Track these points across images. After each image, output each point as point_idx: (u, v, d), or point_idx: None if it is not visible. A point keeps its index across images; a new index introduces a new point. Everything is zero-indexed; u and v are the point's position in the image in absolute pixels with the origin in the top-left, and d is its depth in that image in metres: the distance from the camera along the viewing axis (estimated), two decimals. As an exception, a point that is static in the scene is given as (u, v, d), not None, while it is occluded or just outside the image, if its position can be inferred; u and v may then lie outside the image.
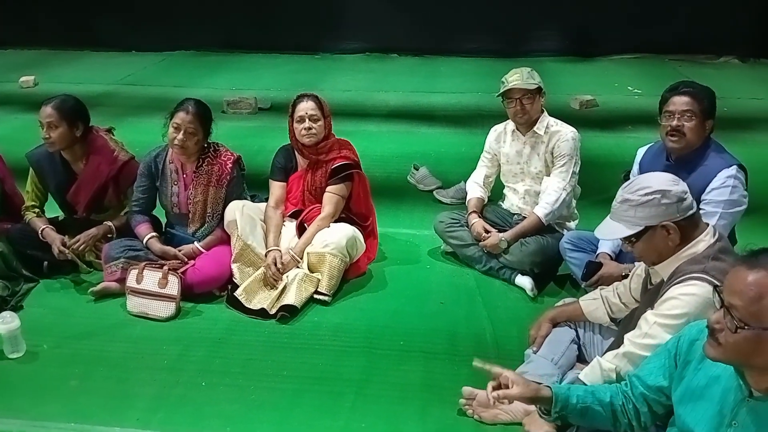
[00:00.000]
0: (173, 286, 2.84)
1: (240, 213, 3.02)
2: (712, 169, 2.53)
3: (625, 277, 2.63)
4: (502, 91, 3.03)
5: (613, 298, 2.27)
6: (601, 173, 4.28)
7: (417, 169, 4.39)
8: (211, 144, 3.10)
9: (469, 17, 8.31)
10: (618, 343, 2.10)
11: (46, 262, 3.12)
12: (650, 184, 1.87)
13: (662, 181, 1.88)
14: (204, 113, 3.02)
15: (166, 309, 2.82)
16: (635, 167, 2.89)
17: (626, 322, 2.11)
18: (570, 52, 8.32)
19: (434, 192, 4.16)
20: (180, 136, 2.93)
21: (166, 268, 2.88)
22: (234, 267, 2.97)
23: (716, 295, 1.51)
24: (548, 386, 1.75)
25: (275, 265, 2.94)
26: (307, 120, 3.05)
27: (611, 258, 2.78)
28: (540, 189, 3.14)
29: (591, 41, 8.29)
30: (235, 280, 2.96)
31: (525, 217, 3.18)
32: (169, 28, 8.81)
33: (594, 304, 2.31)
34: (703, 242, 1.85)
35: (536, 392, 1.73)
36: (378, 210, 3.38)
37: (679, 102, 2.55)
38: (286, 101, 6.56)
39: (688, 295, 1.75)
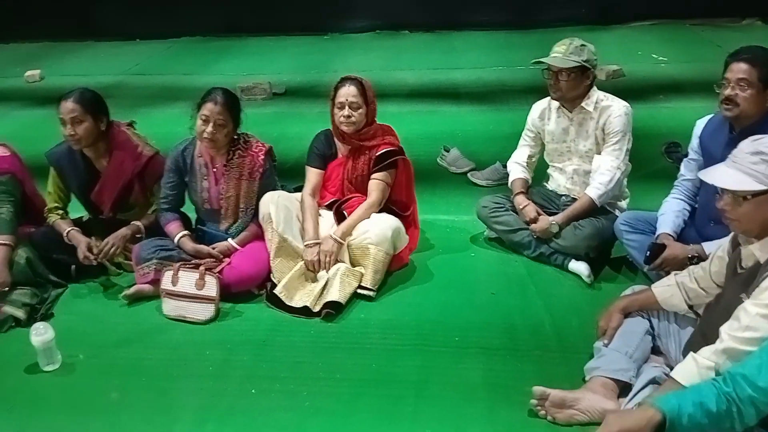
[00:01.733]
0: (211, 287, 2.69)
1: (275, 205, 2.86)
2: None
3: (691, 259, 2.50)
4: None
5: (690, 284, 2.10)
6: (639, 146, 4.07)
7: (447, 151, 4.21)
8: (241, 135, 2.94)
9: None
10: (701, 333, 1.96)
11: (73, 266, 2.98)
12: None
13: None
14: (233, 103, 2.85)
15: (205, 311, 2.68)
16: (694, 140, 2.70)
17: (711, 310, 1.95)
18: (587, 20, 8.03)
19: (468, 174, 3.99)
20: (209, 128, 2.76)
21: (202, 268, 2.73)
22: (273, 263, 2.82)
23: None
24: (657, 408, 1.59)
25: (317, 257, 2.78)
26: (347, 107, 2.87)
27: (673, 239, 2.61)
28: (589, 168, 2.96)
29: (608, 8, 8.02)
30: (273, 278, 2.81)
31: (574, 199, 3.01)
32: (172, 14, 8.59)
33: (669, 290, 2.14)
34: None
35: (648, 422, 1.56)
36: None
37: (736, 69, 2.37)
38: (301, 85, 6.53)
39: (791, 283, 1.58)
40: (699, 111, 4.89)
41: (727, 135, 2.49)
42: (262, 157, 2.92)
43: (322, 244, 2.82)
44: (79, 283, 3.00)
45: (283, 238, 2.83)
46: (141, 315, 2.77)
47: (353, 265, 2.86)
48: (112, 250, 2.89)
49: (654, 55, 6.62)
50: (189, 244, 2.88)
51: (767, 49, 2.40)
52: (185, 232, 2.91)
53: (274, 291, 2.76)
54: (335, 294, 2.70)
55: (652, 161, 4.00)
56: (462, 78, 6.28)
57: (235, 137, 2.90)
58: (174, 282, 2.72)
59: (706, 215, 2.61)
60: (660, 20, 8.00)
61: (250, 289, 2.84)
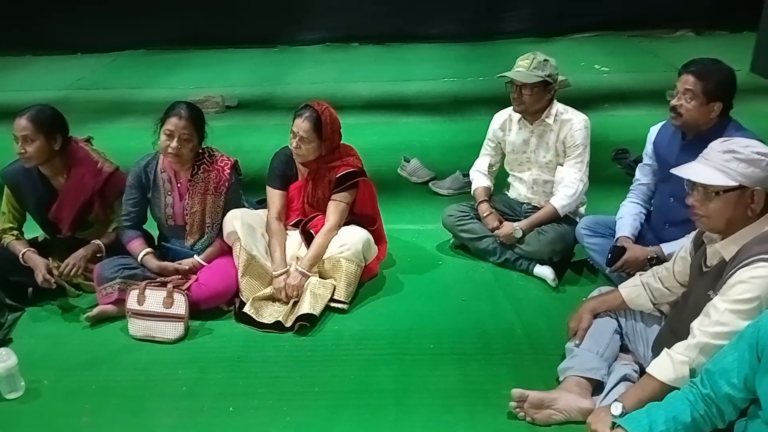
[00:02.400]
0: (180, 305, 2.64)
1: (240, 222, 2.83)
2: None
3: (651, 260, 2.62)
4: (499, 75, 2.91)
5: (655, 283, 2.21)
6: (591, 153, 4.21)
7: (407, 162, 4.26)
8: (205, 149, 2.90)
9: (431, 2, 8.21)
10: (670, 329, 2.06)
11: (30, 288, 2.86)
12: (759, 146, 1.80)
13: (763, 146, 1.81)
14: (198, 117, 2.82)
15: (174, 330, 2.62)
16: (648, 146, 2.84)
17: (680, 308, 2.05)
18: (532, 33, 8.31)
19: (430, 184, 4.05)
20: (174, 143, 2.72)
21: (170, 285, 2.68)
22: (241, 281, 2.79)
23: None
24: (622, 427, 1.67)
25: (285, 289, 2.78)
26: (297, 138, 2.85)
27: (632, 241, 2.74)
28: (548, 178, 3.06)
29: (552, 21, 8.31)
30: (242, 296, 2.78)
31: (535, 206, 3.11)
32: (116, 26, 8.35)
33: (635, 291, 2.24)
34: (767, 221, 1.79)
35: None
36: None
37: (684, 80, 2.50)
38: (254, 98, 6.48)
39: (758, 278, 1.69)
40: (642, 119, 5.21)
41: (680, 141, 2.63)
42: (228, 171, 2.89)
43: (289, 277, 2.80)
44: (37, 305, 2.88)
45: (251, 256, 2.80)
46: (106, 336, 2.69)
47: (323, 277, 2.86)
48: (73, 270, 2.80)
49: (597, 66, 6.90)
50: (153, 262, 2.81)
51: (718, 63, 2.53)
52: (149, 249, 2.85)
53: (243, 310, 2.72)
54: (307, 307, 2.69)
55: (603, 167, 4.16)
56: (415, 90, 6.37)
57: (200, 151, 2.86)
58: (140, 301, 2.65)
59: (662, 218, 2.75)
60: (600, 32, 8.34)
61: (219, 305, 2.80)
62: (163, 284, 2.70)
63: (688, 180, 1.86)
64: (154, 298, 2.64)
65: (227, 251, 2.90)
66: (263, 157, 4.38)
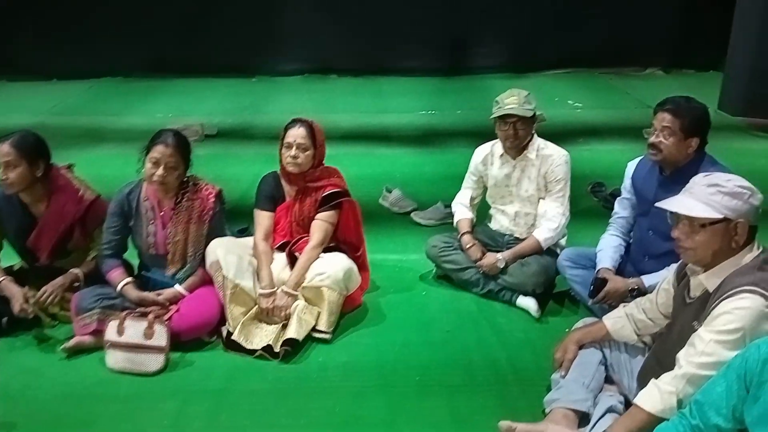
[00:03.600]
0: (161, 336, 2.59)
1: (223, 251, 2.81)
2: None
3: (632, 291, 2.68)
4: (497, 114, 2.98)
5: (638, 315, 2.25)
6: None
7: (389, 192, 4.29)
8: (190, 177, 2.89)
9: (407, 36, 8.36)
10: (656, 360, 2.09)
11: (5, 318, 2.78)
12: (740, 180, 1.87)
13: (749, 183, 1.87)
14: (184, 145, 2.81)
15: (154, 361, 2.57)
16: (627, 181, 2.92)
17: (664, 339, 2.09)
18: (507, 69, 8.52)
19: (412, 214, 4.08)
20: (160, 171, 2.70)
21: (151, 316, 2.63)
22: (228, 311, 2.76)
23: None
24: None
25: (272, 309, 2.77)
26: (294, 147, 2.89)
27: (613, 273, 2.79)
28: (530, 210, 3.12)
29: (526, 58, 8.53)
30: (228, 326, 2.75)
31: (517, 238, 3.16)
32: (93, 53, 8.29)
33: (619, 322, 2.28)
34: (749, 253, 1.86)
35: None
36: None
37: (661, 118, 2.60)
38: (233, 127, 6.48)
39: (741, 309, 1.74)
40: (616, 153, 5.37)
41: (657, 177, 2.71)
42: (212, 199, 2.88)
43: (276, 297, 2.79)
44: (12, 336, 2.80)
45: (235, 285, 2.78)
46: (84, 368, 2.61)
47: (308, 302, 2.84)
48: (50, 299, 2.73)
49: (570, 102, 7.09)
50: (133, 292, 2.76)
51: (691, 100, 2.64)
52: (129, 279, 2.80)
53: (232, 337, 2.69)
54: (293, 332, 2.68)
55: (580, 200, 4.25)
56: (393, 121, 6.44)
57: (185, 180, 2.85)
58: (120, 332, 2.60)
59: (641, 251, 2.82)
60: (573, 69, 8.59)
61: (200, 336, 2.75)
62: (144, 315, 2.65)
63: (673, 213, 1.92)
64: (134, 329, 2.59)
65: (209, 281, 2.87)
66: (243, 186, 4.38)
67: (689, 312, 1.97)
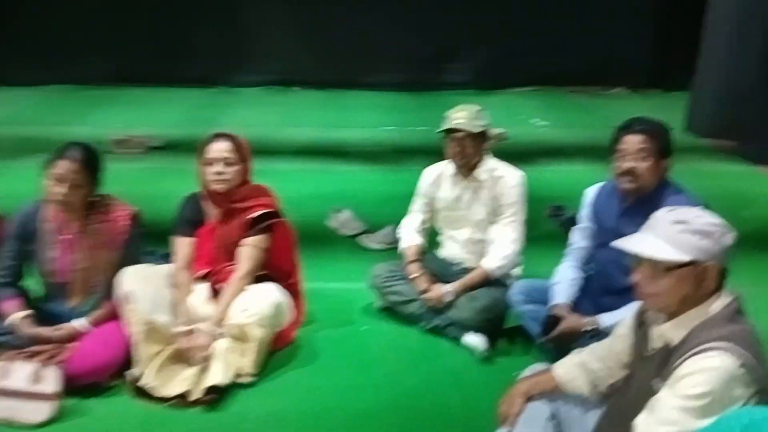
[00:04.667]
0: (50, 381, 2.24)
1: (137, 281, 2.49)
2: None
3: (588, 332, 2.43)
4: (444, 127, 2.73)
5: (594, 364, 1.98)
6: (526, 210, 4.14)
7: (338, 213, 4.01)
8: (101, 197, 2.56)
9: (373, 50, 8.17)
10: (609, 420, 1.84)
11: None
12: (710, 216, 1.61)
13: (720, 220, 1.63)
14: (93, 160, 2.49)
15: (39, 412, 2.21)
16: (586, 209, 2.68)
17: (620, 396, 1.83)
18: (474, 85, 8.36)
19: (360, 238, 3.79)
20: (62, 189, 2.38)
21: (41, 357, 2.29)
22: (138, 351, 2.43)
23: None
24: None
25: (191, 350, 2.45)
26: (218, 163, 2.59)
27: (569, 309, 2.54)
28: (483, 237, 2.86)
29: (492, 74, 8.39)
30: (137, 370, 2.41)
31: (468, 268, 2.90)
32: (47, 60, 7.97)
33: (572, 372, 2.01)
34: (718, 301, 1.60)
35: None
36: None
37: (633, 141, 2.36)
38: (184, 139, 6.14)
39: (710, 370, 1.48)
40: (579, 174, 5.16)
41: (619, 205, 2.48)
42: (126, 222, 2.56)
43: (195, 336, 2.48)
44: None
45: (147, 321, 2.45)
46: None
47: (233, 340, 2.53)
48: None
49: (533, 121, 6.92)
50: (27, 327, 2.42)
51: (656, 120, 2.43)
52: (24, 312, 2.45)
53: (142, 382, 2.37)
54: (219, 376, 2.37)
55: (538, 224, 4.01)
56: (354, 137, 6.20)
57: (94, 199, 2.53)
58: (3, 375, 2.24)
59: (600, 286, 2.57)
60: (539, 86, 8.47)
61: (103, 380, 2.41)
62: (35, 354, 2.31)
63: (634, 255, 1.66)
64: (23, 372, 2.25)
65: (118, 314, 2.53)
66: (183, 203, 4.07)
67: (648, 367, 1.71)
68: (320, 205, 4.34)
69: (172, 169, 5.07)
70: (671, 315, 1.66)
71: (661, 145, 2.35)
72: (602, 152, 5.70)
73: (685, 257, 1.57)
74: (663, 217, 1.65)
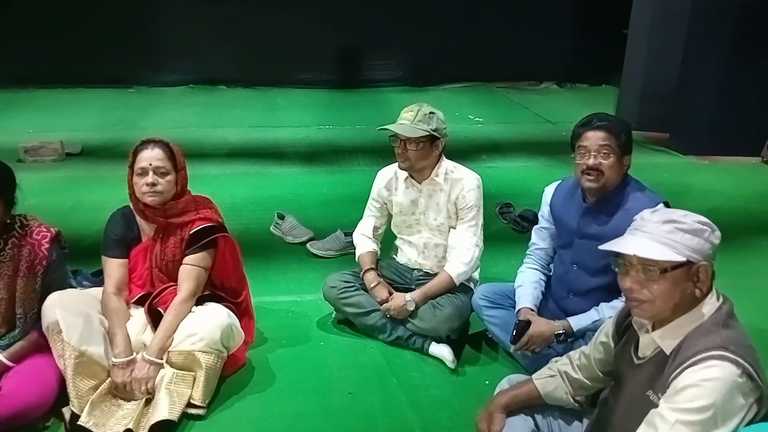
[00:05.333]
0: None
1: (64, 309, 2.19)
2: (638, 209, 2.21)
3: (558, 336, 2.36)
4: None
5: (573, 373, 1.89)
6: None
7: (282, 219, 3.78)
8: (17, 218, 2.25)
9: (300, 46, 7.92)
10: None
11: None
12: (697, 215, 1.54)
13: (705, 218, 1.55)
14: (4, 178, 2.17)
15: (-41, 468, 1.92)
16: (544, 208, 2.60)
17: (610, 408, 1.74)
18: (404, 82, 8.30)
19: (308, 245, 3.59)
20: (-34, 212, 2.06)
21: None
22: (70, 385, 2.14)
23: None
24: None
25: (130, 383, 2.19)
26: (151, 173, 2.33)
27: (535, 312, 2.46)
28: (440, 241, 2.74)
29: (423, 71, 8.34)
30: (72, 406, 2.13)
31: (427, 273, 2.77)
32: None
33: (551, 382, 1.91)
34: (708, 305, 1.54)
35: None
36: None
37: (594, 138, 2.29)
38: (102, 144, 5.70)
39: (710, 381, 1.41)
40: (520, 170, 5.17)
41: (580, 204, 2.41)
42: (46, 245, 2.24)
43: (134, 368, 2.22)
44: None
45: (80, 353, 2.17)
46: None
47: (179, 369, 2.28)
48: None
49: (470, 116, 6.90)
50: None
51: (615, 116, 2.37)
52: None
53: (79, 421, 2.09)
54: (164, 411, 2.13)
55: (487, 223, 3.95)
56: (287, 136, 5.96)
57: (8, 221, 2.21)
58: None
59: (564, 287, 2.51)
60: (469, 83, 8.50)
61: (30, 422, 2.12)
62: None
63: (620, 257, 1.57)
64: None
65: (45, 347, 2.24)
66: (107, 215, 3.72)
67: (640, 376, 1.63)
68: (260, 211, 4.11)
69: (92, 177, 4.67)
70: (661, 322, 1.58)
71: (623, 142, 2.30)
72: (540, 147, 5.82)
73: (680, 257, 1.50)
74: (650, 217, 1.57)
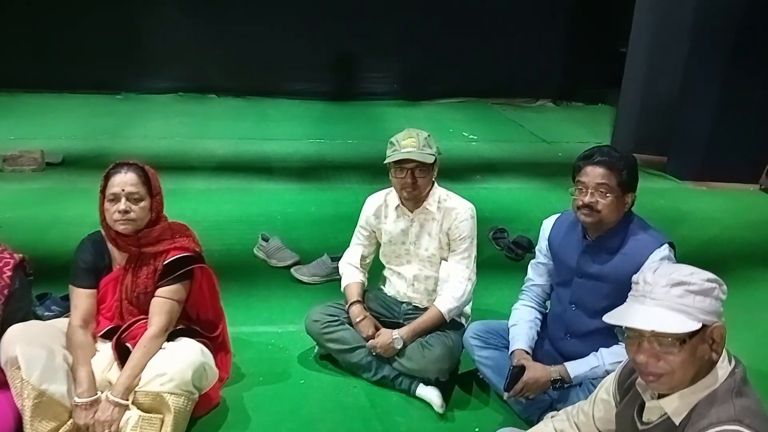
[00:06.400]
0: None
1: (25, 344, 2.02)
2: (641, 250, 2.16)
3: (555, 382, 2.21)
4: (394, 158, 2.43)
5: (571, 431, 1.75)
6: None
7: (266, 241, 3.63)
8: (-25, 243, 2.09)
9: (294, 57, 7.79)
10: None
11: None
12: (702, 272, 1.42)
13: (710, 274, 1.43)
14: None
15: None
16: (542, 242, 2.46)
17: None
18: (398, 96, 8.18)
19: (292, 270, 3.43)
20: None
21: None
22: (27, 428, 1.98)
23: None
24: None
25: (93, 425, 2.02)
26: (123, 199, 2.17)
27: (530, 355, 2.32)
28: (431, 273, 2.60)
29: (417, 85, 8.24)
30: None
31: (416, 307, 2.62)
32: None
33: (547, 441, 1.77)
34: (721, 369, 1.40)
35: None
36: (222, 300, 2.48)
37: (593, 174, 2.16)
38: (85, 153, 5.52)
39: (726, 458, 1.27)
40: (514, 192, 5.04)
41: (580, 241, 2.28)
42: (8, 274, 2.09)
43: (98, 408, 2.05)
44: None
45: (40, 392, 2.00)
46: None
47: (146, 411, 2.11)
48: None
49: (465, 134, 6.77)
50: None
51: (619, 151, 2.23)
52: None
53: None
54: None
55: (480, 248, 3.82)
56: (277, 150, 5.81)
57: (-35, 247, 2.05)
58: None
59: (561, 327, 2.37)
60: (464, 98, 8.40)
61: (-17, 468, 1.95)
62: None
63: (629, 329, 1.43)
64: None
65: (4, 382, 2.07)
66: (86, 231, 3.56)
67: (646, 446, 1.49)
68: (244, 230, 3.95)
69: (73, 189, 4.51)
70: (672, 389, 1.44)
71: (624, 180, 2.16)
72: (535, 168, 5.69)
73: (696, 324, 1.36)
74: (656, 281, 1.43)
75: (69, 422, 2.06)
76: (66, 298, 2.71)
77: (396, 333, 2.47)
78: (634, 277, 1.47)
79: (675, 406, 1.43)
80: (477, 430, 2.27)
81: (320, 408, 2.39)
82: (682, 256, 2.16)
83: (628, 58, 5.96)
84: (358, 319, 2.54)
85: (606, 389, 1.71)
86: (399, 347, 2.46)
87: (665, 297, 1.38)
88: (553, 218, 2.46)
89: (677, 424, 1.41)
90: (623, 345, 1.95)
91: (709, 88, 5.12)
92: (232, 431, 2.24)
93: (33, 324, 2.16)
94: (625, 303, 1.49)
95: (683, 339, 1.36)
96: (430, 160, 2.44)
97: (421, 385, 2.45)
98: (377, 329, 2.53)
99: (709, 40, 5.11)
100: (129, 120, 6.61)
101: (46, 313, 2.71)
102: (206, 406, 2.29)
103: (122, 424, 2.06)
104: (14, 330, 2.07)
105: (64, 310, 2.66)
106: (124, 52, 7.51)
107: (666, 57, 5.65)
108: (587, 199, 2.13)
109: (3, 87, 7.25)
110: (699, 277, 1.42)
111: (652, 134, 5.68)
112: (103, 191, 2.20)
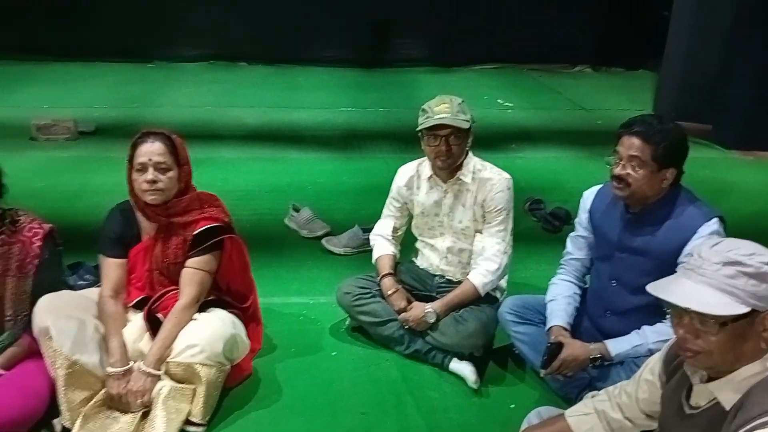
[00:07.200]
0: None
1: (55, 314, 2.03)
2: (688, 224, 2.04)
3: (594, 360, 2.13)
4: (427, 124, 2.34)
5: (612, 412, 1.67)
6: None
7: (297, 211, 3.58)
8: (7, 212, 2.08)
9: (324, 24, 7.63)
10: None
11: None
12: (764, 252, 1.31)
13: None
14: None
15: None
16: (582, 215, 2.35)
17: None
18: (432, 62, 7.98)
19: (323, 241, 3.39)
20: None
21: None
22: (62, 396, 1.99)
23: None
24: None
25: (126, 395, 2.03)
26: (151, 170, 2.13)
27: (568, 332, 2.23)
28: (465, 246, 2.52)
29: (451, 51, 8.01)
30: (64, 419, 1.98)
31: (449, 280, 2.55)
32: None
33: (587, 421, 1.70)
34: None
35: None
36: (252, 271, 2.46)
37: (628, 144, 2.03)
38: (116, 122, 5.53)
39: (787, 448, 1.19)
40: (550, 162, 4.88)
41: (623, 215, 2.16)
42: (38, 243, 2.08)
43: (131, 378, 2.05)
44: None
45: (72, 362, 2.01)
46: None
47: (178, 381, 2.11)
48: None
49: (500, 101, 6.59)
50: None
51: (663, 121, 2.09)
52: None
53: (71, 435, 1.94)
54: (161, 426, 1.99)
55: (516, 220, 3.72)
56: (307, 119, 5.73)
57: (-3, 216, 2.04)
58: None
59: (601, 304, 2.27)
60: (499, 64, 8.16)
61: (21, 433, 1.98)
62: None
63: (676, 304, 1.34)
64: None
65: (37, 351, 2.08)
66: (119, 199, 3.57)
67: (692, 429, 1.41)
68: (275, 200, 3.91)
69: (104, 157, 4.51)
70: (721, 372, 1.35)
71: (661, 153, 2.00)
72: (572, 137, 5.49)
73: (743, 308, 1.26)
74: (709, 256, 1.33)
75: (102, 392, 2.07)
76: (97, 269, 2.72)
77: (429, 307, 2.42)
78: (689, 248, 1.37)
79: (725, 392, 1.34)
80: (513, 406, 2.21)
81: (352, 381, 2.36)
82: (729, 229, 2.03)
83: (671, 22, 5.67)
84: (390, 292, 2.49)
85: (651, 369, 1.62)
86: (432, 321, 2.40)
87: (713, 275, 1.29)
88: (594, 189, 2.35)
89: (727, 409, 1.32)
90: (668, 323, 1.87)
91: (755, 53, 4.85)
92: (265, 403, 2.23)
93: (64, 294, 2.15)
94: (673, 274, 1.40)
95: (725, 321, 1.27)
96: (465, 125, 2.34)
97: (454, 359, 2.39)
98: (409, 302, 2.47)
99: (754, 2, 4.83)
100: (159, 87, 6.60)
101: (79, 282, 2.72)
102: (238, 377, 2.28)
103: (154, 394, 2.06)
104: (45, 300, 2.07)
105: (97, 279, 2.66)
106: (154, 20, 7.46)
107: (711, 20, 5.35)
108: (618, 170, 2.02)
109: (32, 55, 7.28)
110: (758, 259, 1.31)
111: (696, 101, 5.41)
112: (130, 161, 2.16)
